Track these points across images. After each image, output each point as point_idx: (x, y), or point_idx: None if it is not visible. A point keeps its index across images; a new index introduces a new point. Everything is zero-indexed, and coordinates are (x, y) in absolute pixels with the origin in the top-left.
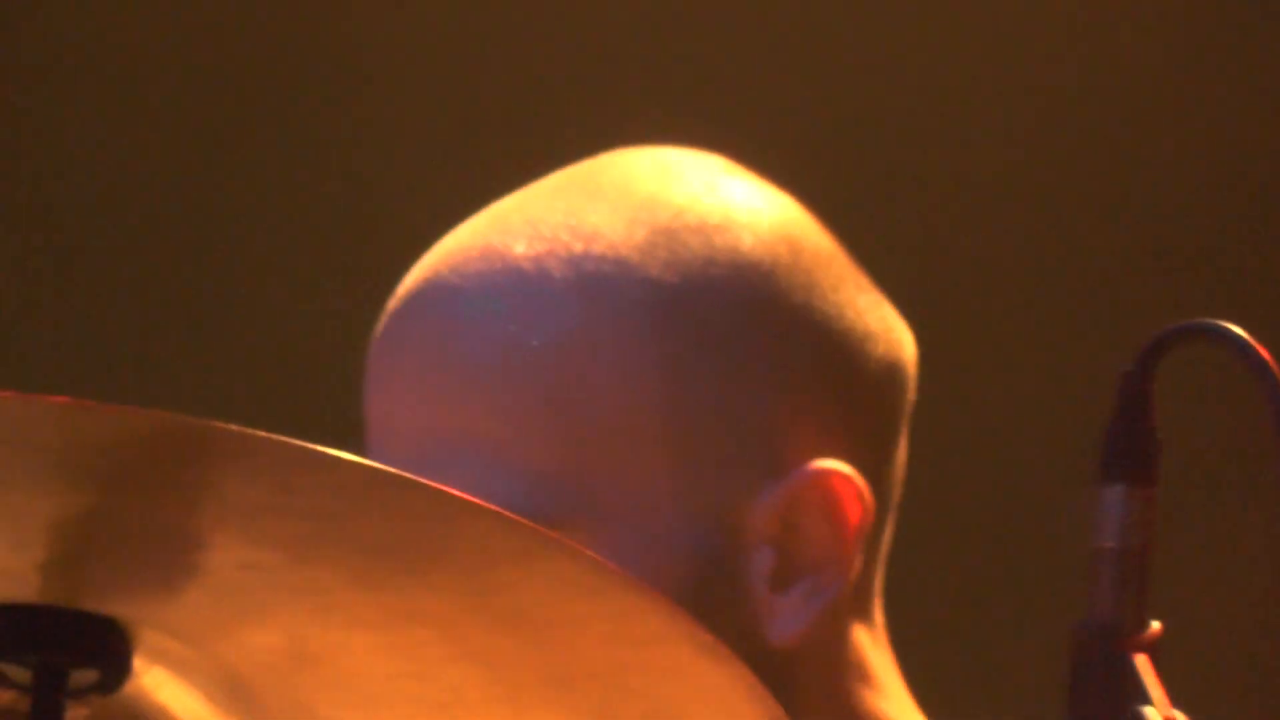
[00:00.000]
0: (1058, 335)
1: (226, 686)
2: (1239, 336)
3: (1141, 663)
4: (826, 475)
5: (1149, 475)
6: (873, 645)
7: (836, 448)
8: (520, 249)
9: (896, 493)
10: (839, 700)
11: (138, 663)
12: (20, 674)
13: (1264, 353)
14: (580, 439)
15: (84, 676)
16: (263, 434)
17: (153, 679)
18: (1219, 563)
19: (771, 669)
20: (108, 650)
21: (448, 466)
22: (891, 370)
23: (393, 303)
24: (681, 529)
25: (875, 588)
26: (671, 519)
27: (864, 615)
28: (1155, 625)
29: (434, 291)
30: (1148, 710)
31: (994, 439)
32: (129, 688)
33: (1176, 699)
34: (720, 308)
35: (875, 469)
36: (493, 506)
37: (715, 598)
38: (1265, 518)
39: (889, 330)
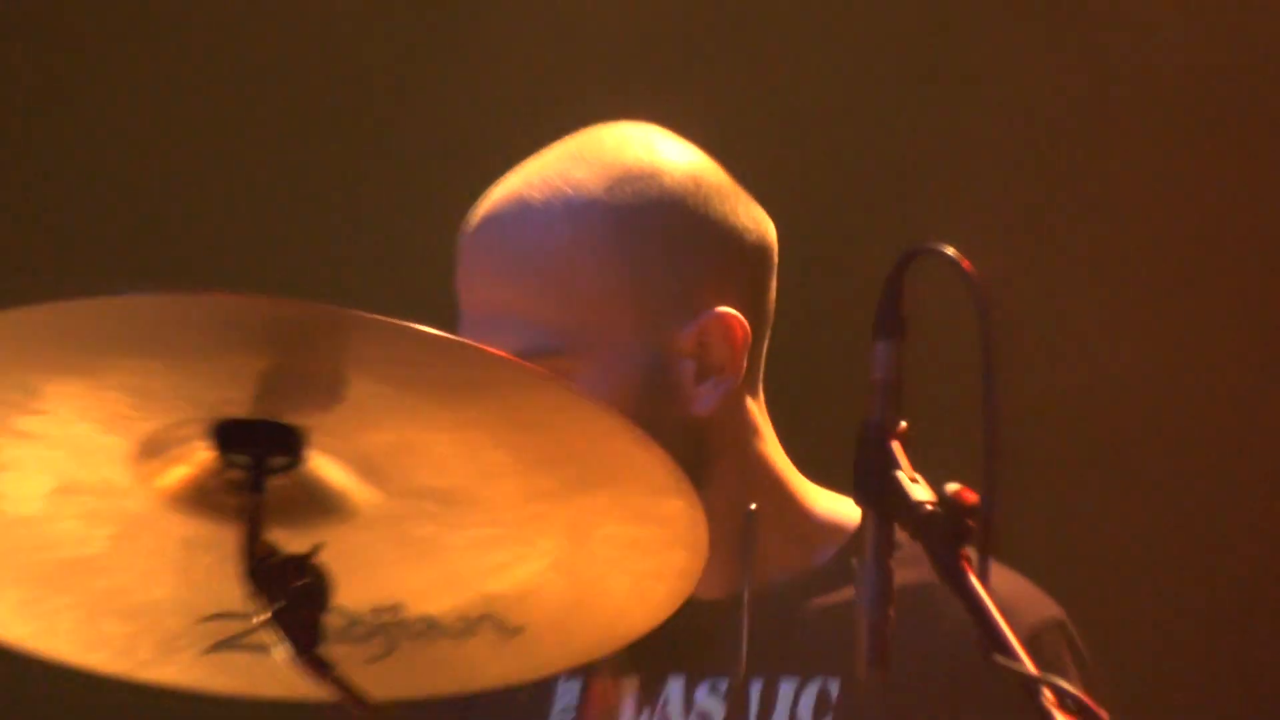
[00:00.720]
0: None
1: (362, 466)
2: (951, 255)
3: (895, 446)
4: (723, 315)
5: (900, 335)
6: (759, 412)
7: (730, 296)
8: (536, 194)
9: (769, 318)
10: (740, 445)
11: (309, 452)
12: (242, 459)
13: (968, 266)
14: (574, 303)
15: (277, 461)
16: (373, 315)
17: (317, 462)
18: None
19: (698, 430)
20: (291, 444)
21: (496, 326)
22: (761, 248)
23: (466, 224)
24: (639, 353)
25: (759, 376)
26: (632, 347)
27: (753, 393)
28: (903, 423)
29: (490, 220)
30: (898, 473)
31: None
32: (303, 467)
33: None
34: (654, 220)
35: (754, 307)
36: (514, 358)
37: (660, 392)
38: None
39: (759, 223)
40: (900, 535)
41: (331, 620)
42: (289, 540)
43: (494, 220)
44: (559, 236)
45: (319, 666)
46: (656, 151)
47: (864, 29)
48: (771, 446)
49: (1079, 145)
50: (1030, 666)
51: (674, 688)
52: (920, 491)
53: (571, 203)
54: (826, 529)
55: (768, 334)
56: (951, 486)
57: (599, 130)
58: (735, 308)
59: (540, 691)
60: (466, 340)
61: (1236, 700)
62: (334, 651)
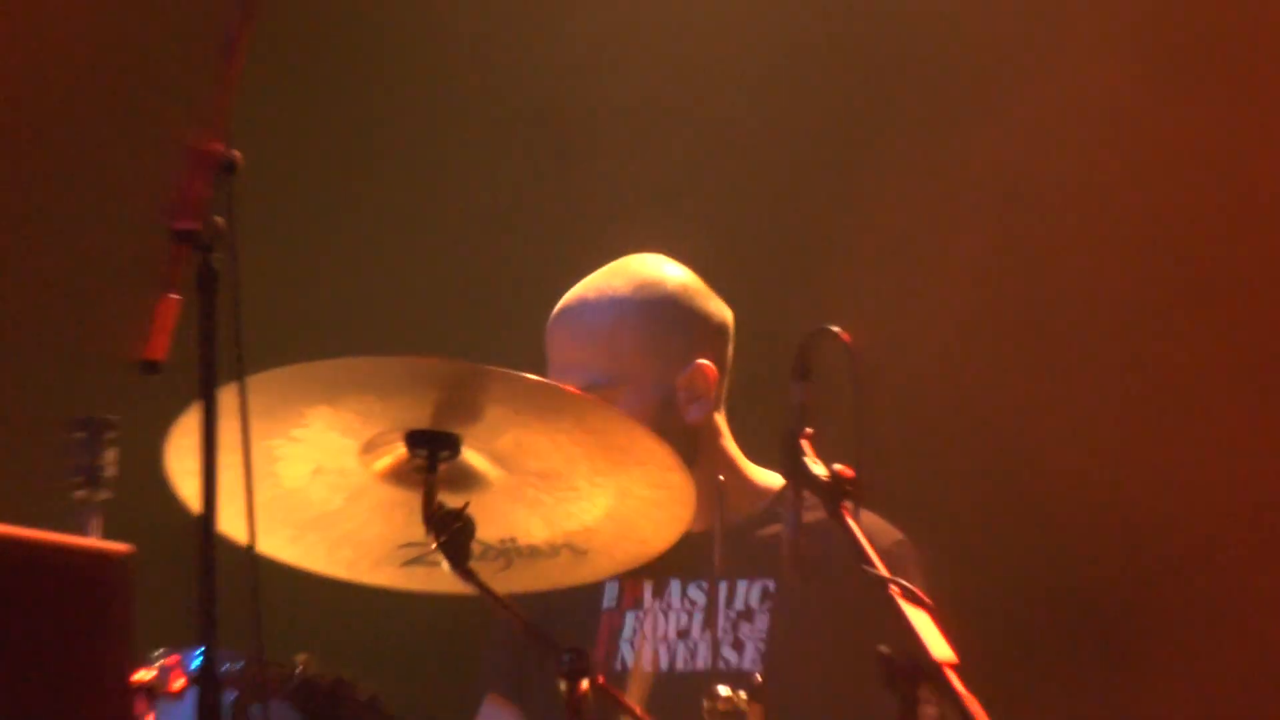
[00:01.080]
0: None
1: (493, 456)
2: (837, 331)
3: (804, 443)
4: (702, 365)
5: (807, 377)
6: (723, 422)
7: (707, 354)
8: (592, 296)
9: (729, 367)
10: (713, 442)
11: (463, 448)
12: (423, 453)
13: (846, 338)
14: (615, 359)
15: (444, 454)
16: (502, 369)
17: (467, 454)
18: None
19: (688, 433)
20: (452, 444)
21: (569, 373)
22: (724, 325)
23: (556, 308)
24: (653, 388)
25: (723, 400)
26: (649, 385)
27: (720, 411)
28: (809, 430)
29: (566, 311)
30: (805, 458)
31: (766, 366)
32: (459, 457)
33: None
34: (662, 310)
35: (720, 361)
36: (582, 393)
37: (666, 410)
38: None
39: (722, 311)
40: (807, 494)
41: (474, 548)
42: (450, 500)
43: (569, 311)
44: (606, 321)
45: (467, 574)
46: (662, 270)
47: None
48: (730, 442)
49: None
50: (883, 571)
51: (674, 585)
52: (818, 468)
53: (614, 300)
54: (764, 490)
55: (728, 376)
56: (836, 465)
57: (629, 258)
58: (710, 360)
59: (594, 589)
60: (554, 382)
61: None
62: (476, 565)
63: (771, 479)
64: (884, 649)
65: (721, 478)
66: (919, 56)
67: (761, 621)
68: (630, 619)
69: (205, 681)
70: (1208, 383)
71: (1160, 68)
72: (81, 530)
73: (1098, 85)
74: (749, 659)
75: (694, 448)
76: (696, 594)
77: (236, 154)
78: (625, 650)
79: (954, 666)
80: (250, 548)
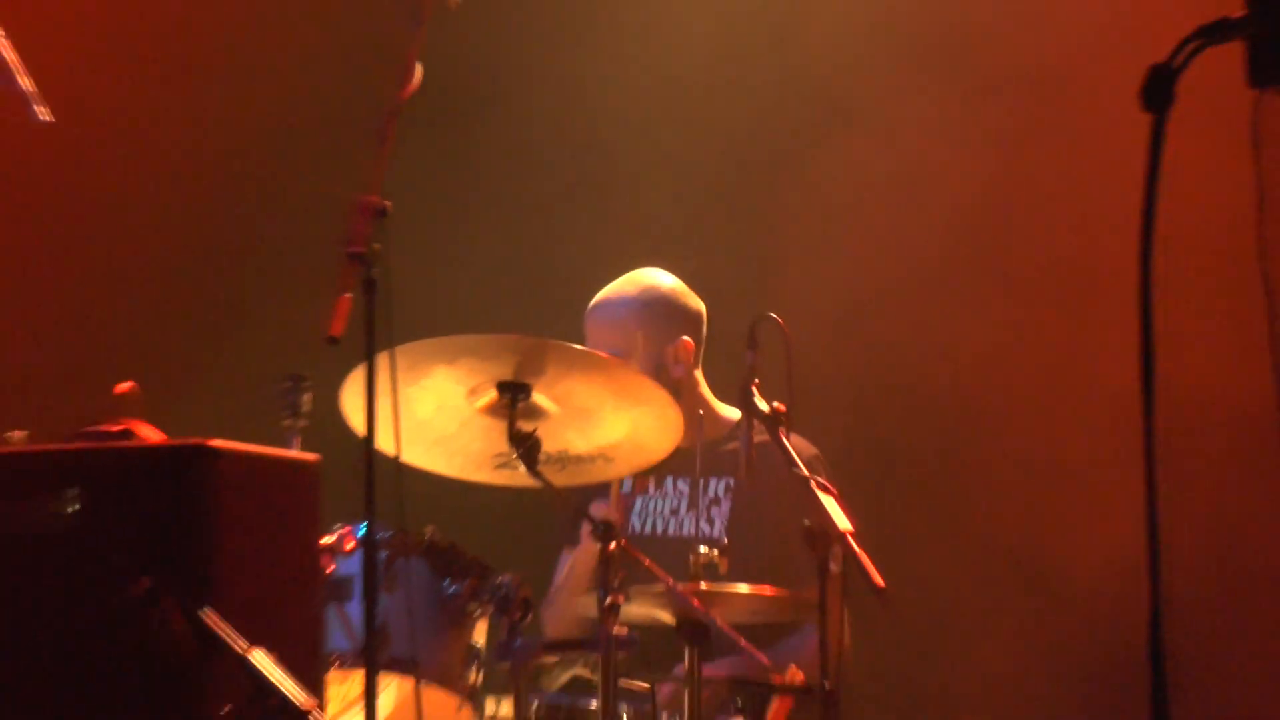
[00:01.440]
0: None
1: (554, 397)
2: (776, 319)
3: (754, 388)
4: (685, 341)
5: (756, 348)
6: (701, 376)
7: (688, 333)
8: (615, 296)
9: (703, 342)
10: (693, 389)
11: (534, 393)
12: (507, 396)
13: (782, 323)
14: (629, 339)
15: (520, 396)
16: (561, 342)
17: (537, 397)
18: None
19: (676, 384)
20: (527, 390)
21: (603, 348)
22: (700, 313)
23: (590, 305)
24: (653, 356)
25: (700, 361)
26: (651, 354)
27: (698, 368)
28: (757, 380)
29: (598, 307)
30: (755, 399)
31: (726, 340)
32: (530, 398)
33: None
34: (659, 307)
35: (697, 337)
36: (610, 358)
37: (662, 369)
38: None
39: (699, 304)
40: (756, 423)
41: (541, 457)
42: (525, 425)
43: (598, 308)
44: (621, 314)
45: (537, 474)
46: (658, 279)
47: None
48: (705, 389)
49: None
50: (805, 472)
51: (669, 481)
52: (763, 405)
53: (625, 301)
54: (727, 420)
55: (703, 346)
56: (776, 402)
57: (637, 271)
58: (689, 337)
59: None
60: (591, 350)
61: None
62: (542, 469)
63: (732, 412)
64: (806, 521)
65: (701, 411)
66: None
67: (725, 505)
68: (639, 502)
69: (367, 545)
70: None
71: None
72: (288, 446)
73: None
74: (718, 529)
75: (679, 393)
76: (683, 486)
77: (388, 203)
78: (635, 522)
79: (853, 534)
80: (396, 457)
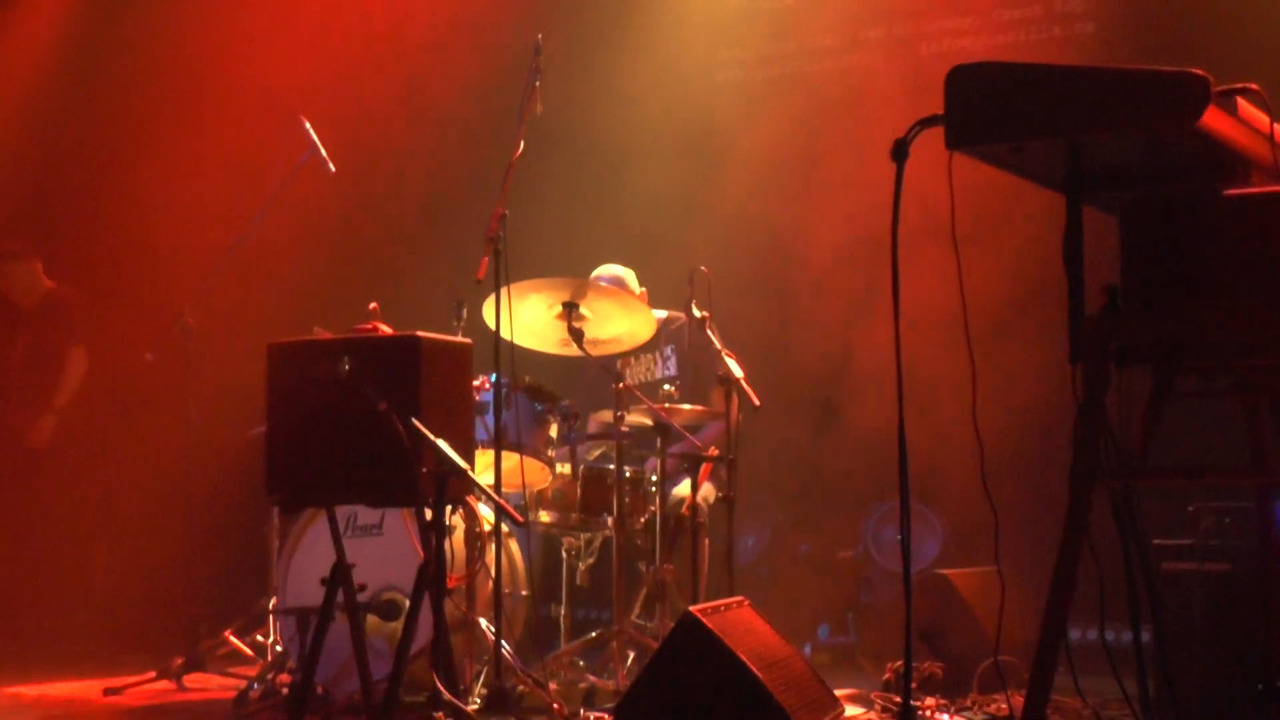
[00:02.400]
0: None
1: (589, 310)
2: (703, 270)
3: (693, 305)
4: (643, 291)
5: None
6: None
7: (641, 287)
8: (609, 273)
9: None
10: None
11: (581, 307)
12: (567, 310)
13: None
14: (624, 286)
15: (573, 309)
16: (594, 280)
17: (582, 309)
18: None
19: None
20: (576, 306)
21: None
22: (637, 285)
23: (596, 273)
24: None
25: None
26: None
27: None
28: (695, 303)
29: (608, 275)
30: (693, 305)
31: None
32: (578, 309)
33: None
34: (630, 280)
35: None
36: (619, 290)
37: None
38: None
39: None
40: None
41: (581, 338)
42: (576, 323)
43: (603, 277)
44: (619, 276)
45: (582, 348)
46: (625, 268)
47: None
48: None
49: None
50: (719, 344)
51: (645, 354)
52: (698, 312)
53: (617, 279)
54: (675, 317)
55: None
56: (705, 311)
57: (612, 264)
58: (643, 290)
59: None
60: (610, 287)
61: None
62: (586, 344)
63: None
64: (720, 370)
65: (665, 314)
66: None
67: (674, 360)
68: (633, 361)
69: (496, 388)
70: None
71: None
72: (455, 335)
73: None
74: (672, 371)
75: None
76: (655, 355)
77: (506, 211)
78: (626, 374)
79: (743, 378)
80: (510, 341)
